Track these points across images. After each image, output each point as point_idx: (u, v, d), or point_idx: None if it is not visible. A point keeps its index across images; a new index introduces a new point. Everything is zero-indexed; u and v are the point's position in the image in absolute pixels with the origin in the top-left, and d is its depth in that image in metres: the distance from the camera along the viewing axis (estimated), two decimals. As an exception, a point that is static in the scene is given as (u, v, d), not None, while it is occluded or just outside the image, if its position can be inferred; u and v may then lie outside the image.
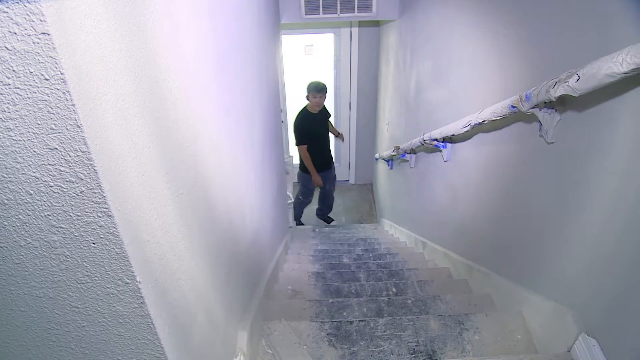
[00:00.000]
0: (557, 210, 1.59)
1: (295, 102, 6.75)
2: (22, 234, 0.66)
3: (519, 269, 1.93)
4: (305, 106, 5.17)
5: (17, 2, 0.51)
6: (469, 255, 2.57)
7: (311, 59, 6.87)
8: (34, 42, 0.53)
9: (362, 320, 1.91)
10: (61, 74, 0.54)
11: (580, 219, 1.46)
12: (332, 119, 5.77)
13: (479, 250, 2.42)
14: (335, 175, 6.03)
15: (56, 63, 0.54)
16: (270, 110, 3.00)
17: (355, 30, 6.40)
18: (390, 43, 5.34)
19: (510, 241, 2.01)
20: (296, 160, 5.81)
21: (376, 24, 6.23)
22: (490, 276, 2.23)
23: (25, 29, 0.52)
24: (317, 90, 4.98)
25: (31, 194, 0.62)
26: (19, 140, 0.58)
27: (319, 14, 4.70)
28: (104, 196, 0.63)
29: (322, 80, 5.09)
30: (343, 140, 6.35)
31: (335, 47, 6.68)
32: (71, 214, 0.65)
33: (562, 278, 1.59)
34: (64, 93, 0.55)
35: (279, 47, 4.33)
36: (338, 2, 4.62)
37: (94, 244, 0.67)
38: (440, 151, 2.94)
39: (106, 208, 0.64)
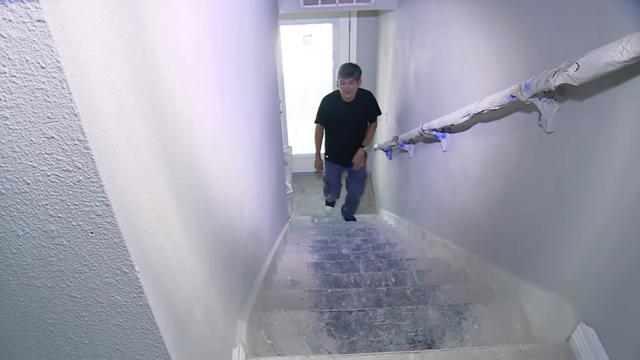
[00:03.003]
0: (556, 200, 1.59)
1: (294, 93, 6.75)
2: (20, 224, 0.65)
3: (517, 259, 1.93)
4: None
5: (12, -11, 0.50)
6: (468, 246, 2.58)
7: (310, 49, 6.85)
8: (29, 30, 0.52)
9: (361, 310, 1.92)
10: (57, 62, 0.54)
11: (579, 209, 1.46)
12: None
13: (478, 241, 2.42)
14: (364, 174, 5.33)
15: (52, 51, 0.53)
16: (269, 100, 2.99)
17: (353, 20, 6.37)
18: (389, 33, 5.32)
19: (509, 231, 2.01)
20: (296, 151, 5.78)
21: (375, 13, 6.21)
22: (489, 266, 2.23)
23: (21, 17, 0.51)
24: (341, 74, 4.31)
25: (28, 183, 0.62)
26: (16, 129, 0.58)
27: (317, 3, 4.68)
28: (102, 185, 0.63)
29: (353, 63, 4.46)
30: (358, 167, 5.04)
31: (333, 37, 6.66)
32: (69, 203, 0.64)
33: (561, 268, 1.59)
34: (60, 81, 0.55)
35: (277, 37, 4.31)
36: (336, -8, 4.61)
37: (92, 233, 0.67)
38: (439, 141, 2.94)
39: (104, 197, 0.64)
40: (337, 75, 4.39)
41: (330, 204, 6.07)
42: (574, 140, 1.46)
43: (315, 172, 5.74)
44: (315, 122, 4.79)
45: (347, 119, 4.60)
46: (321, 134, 4.88)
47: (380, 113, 4.76)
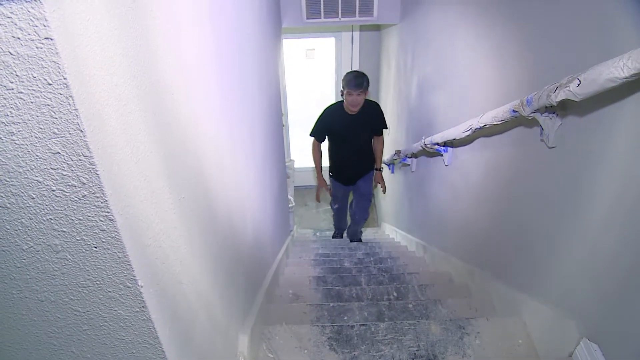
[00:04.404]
0: (558, 215, 1.59)
1: (297, 106, 6.78)
2: (24, 238, 0.66)
3: (520, 273, 1.93)
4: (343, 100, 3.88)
5: (21, 8, 0.51)
6: (470, 260, 2.57)
7: (312, 63, 6.89)
8: (37, 47, 0.53)
9: (363, 325, 1.91)
10: (64, 78, 0.55)
11: (580, 224, 1.46)
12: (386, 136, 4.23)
13: (480, 255, 2.42)
14: (369, 196, 4.56)
15: (59, 68, 0.54)
16: (272, 114, 3.00)
17: (356, 34, 6.42)
18: (391, 47, 5.34)
19: (511, 246, 2.00)
20: (298, 164, 5.74)
21: (377, 28, 6.25)
22: (491, 280, 2.23)
23: (29, 34, 0.52)
24: (349, 85, 3.63)
25: (33, 198, 0.63)
26: (22, 144, 0.58)
27: (320, 18, 4.71)
28: (106, 200, 0.63)
29: (360, 71, 3.74)
30: (384, 190, 4.54)
31: (336, 51, 6.70)
32: (73, 218, 0.65)
33: (563, 283, 1.59)
34: (66, 98, 0.56)
35: (280, 51, 4.33)
36: (339, 6, 4.64)
37: (95, 247, 0.68)
38: (442, 155, 2.94)
39: (108, 212, 0.64)
40: (342, 85, 3.72)
41: (338, 235, 5.36)
42: (576, 156, 1.46)
43: (325, 195, 5.05)
44: (311, 135, 4.17)
45: (352, 132, 4.02)
46: (319, 152, 4.28)
47: (386, 127, 4.15)
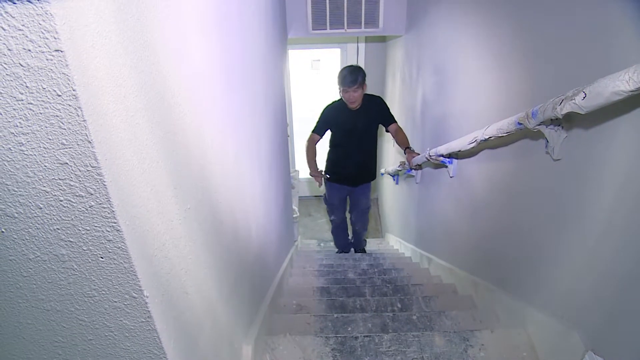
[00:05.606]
0: (562, 227, 1.58)
1: (302, 116, 6.79)
2: (31, 247, 0.66)
3: (524, 286, 1.92)
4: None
5: (32, 20, 0.51)
6: (475, 271, 2.56)
7: (318, 74, 6.91)
8: (47, 59, 0.54)
9: (366, 336, 1.90)
10: (73, 90, 0.55)
11: (581, 235, 1.46)
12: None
13: (484, 266, 2.41)
14: (367, 206, 4.61)
15: (69, 79, 0.55)
16: (277, 124, 3.01)
17: (361, 45, 6.44)
18: (397, 58, 5.36)
19: (515, 258, 2.00)
20: (303, 175, 5.72)
21: (383, 39, 6.26)
22: (495, 292, 2.21)
23: (40, 46, 0.53)
24: (344, 82, 3.60)
25: (41, 208, 0.63)
26: (31, 154, 0.59)
27: (326, 29, 4.72)
28: (113, 211, 0.64)
29: (355, 66, 3.69)
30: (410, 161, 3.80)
31: (341, 62, 6.72)
32: (80, 228, 0.65)
33: (567, 295, 1.58)
34: (75, 109, 0.56)
35: (285, 61, 4.34)
36: (345, 18, 4.65)
37: (102, 258, 0.68)
38: (446, 167, 2.94)
39: (115, 222, 0.65)
40: (337, 82, 3.69)
41: (344, 250, 5.06)
42: (581, 168, 1.46)
43: (321, 196, 4.83)
44: (314, 132, 4.04)
45: (354, 126, 3.92)
46: (314, 150, 4.11)
47: (394, 120, 3.98)
